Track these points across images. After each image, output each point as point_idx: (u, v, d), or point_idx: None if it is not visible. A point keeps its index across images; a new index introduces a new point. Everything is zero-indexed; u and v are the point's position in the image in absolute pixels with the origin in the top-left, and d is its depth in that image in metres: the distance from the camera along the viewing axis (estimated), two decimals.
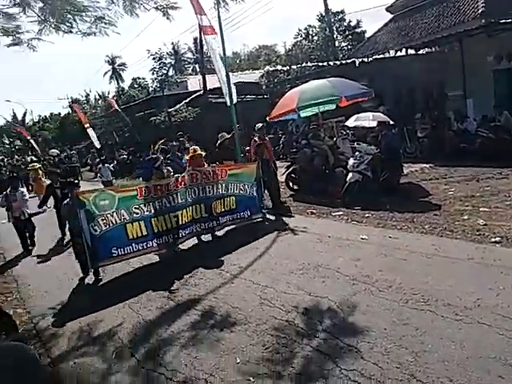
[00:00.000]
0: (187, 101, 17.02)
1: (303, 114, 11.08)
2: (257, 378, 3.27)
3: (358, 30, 27.76)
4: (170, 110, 19.09)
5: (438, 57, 13.98)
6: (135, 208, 6.07)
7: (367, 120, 10.36)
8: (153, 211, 6.26)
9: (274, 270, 5.50)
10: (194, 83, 26.95)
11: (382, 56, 15.37)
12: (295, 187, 10.45)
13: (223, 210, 7.36)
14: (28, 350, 2.76)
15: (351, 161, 8.71)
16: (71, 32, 7.65)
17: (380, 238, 6.31)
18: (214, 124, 16.49)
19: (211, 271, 5.79)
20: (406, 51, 14.59)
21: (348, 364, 3.28)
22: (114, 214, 5.86)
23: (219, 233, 7.51)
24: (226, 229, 7.65)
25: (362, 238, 6.33)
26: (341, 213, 8.00)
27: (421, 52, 14.39)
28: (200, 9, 12.01)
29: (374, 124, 9.82)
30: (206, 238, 7.41)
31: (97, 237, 5.69)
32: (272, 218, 8.31)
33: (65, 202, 6.35)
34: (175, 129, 18.43)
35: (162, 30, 70.37)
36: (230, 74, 17.28)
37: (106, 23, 7.57)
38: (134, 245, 6.02)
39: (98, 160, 20.56)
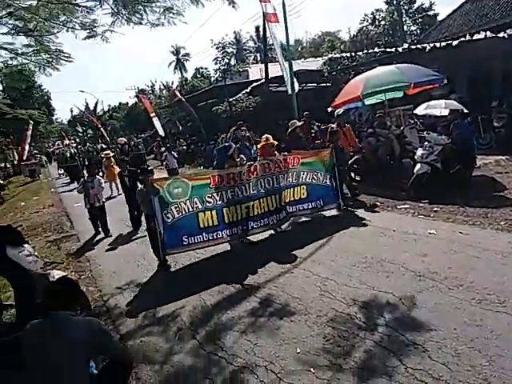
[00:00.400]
0: (248, 90, 17.04)
1: (368, 101, 10.64)
2: (317, 370, 3.22)
3: (430, 13, 26.11)
4: (230, 99, 19.26)
5: None
6: (208, 197, 6.00)
7: (439, 108, 9.73)
8: (225, 200, 6.15)
9: (335, 262, 5.37)
10: (255, 72, 26.98)
11: (456, 41, 14.35)
12: (358, 178, 10.12)
13: (292, 199, 7.07)
14: (99, 324, 2.93)
15: (420, 151, 8.24)
16: (141, 23, 7.95)
17: (449, 233, 5.93)
18: (274, 113, 16.42)
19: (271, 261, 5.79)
20: (485, 34, 13.47)
21: (414, 362, 3.14)
22: (187, 202, 5.83)
23: (284, 225, 7.18)
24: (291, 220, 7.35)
25: (430, 233, 5.99)
26: (407, 206, 7.64)
27: (501, 35, 13.23)
28: None
29: (446, 112, 9.20)
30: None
31: (169, 224, 5.69)
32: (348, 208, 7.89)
33: (139, 188, 6.46)
34: (236, 118, 18.57)
35: (224, 20, 71.11)
36: (292, 61, 17.11)
37: (174, 13, 7.78)
38: (204, 234, 5.97)
39: (163, 148, 21.15)
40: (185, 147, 23.35)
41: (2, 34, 8.06)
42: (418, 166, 8.06)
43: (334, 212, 7.72)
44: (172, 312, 4.68)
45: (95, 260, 6.99)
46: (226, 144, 7.25)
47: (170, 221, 5.70)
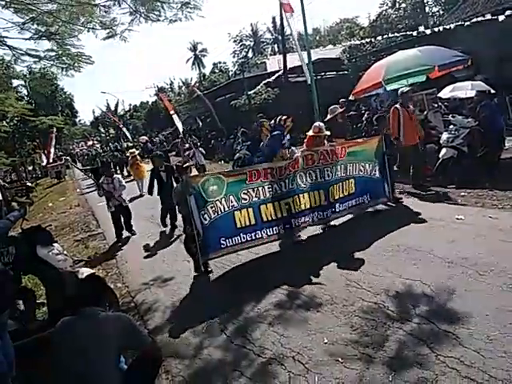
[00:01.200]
0: (265, 82, 16.96)
1: (389, 87, 10.38)
2: (346, 360, 3.19)
3: None
4: (249, 92, 19.22)
5: None
6: (243, 193, 5.48)
7: (465, 90, 9.43)
8: (262, 197, 5.63)
9: (359, 251, 5.30)
10: (273, 64, 26.82)
11: (480, 19, 13.82)
12: None
13: (341, 195, 6.39)
14: (128, 319, 2.98)
15: (445, 135, 8.01)
16: (159, 20, 7.98)
17: (478, 218, 5.76)
18: (293, 104, 16.31)
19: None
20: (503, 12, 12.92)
21: (445, 350, 3.07)
22: (223, 200, 5.36)
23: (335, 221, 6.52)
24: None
25: (458, 218, 5.83)
26: (433, 192, 7.45)
27: None
28: None
29: (472, 94, 8.90)
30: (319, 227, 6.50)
31: (206, 226, 5.24)
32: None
33: (175, 187, 6.10)
34: (255, 111, 18.54)
35: (240, 12, 70.78)
36: (311, 50, 16.89)
37: (191, 8, 7.77)
38: (242, 235, 5.48)
39: (187, 145, 21.07)
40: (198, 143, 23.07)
41: (25, 39, 8.27)
42: (444, 150, 7.85)
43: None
44: (199, 305, 4.73)
45: (122, 257, 7.11)
46: (278, 132, 6.21)
47: (207, 222, 5.24)
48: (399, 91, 8.41)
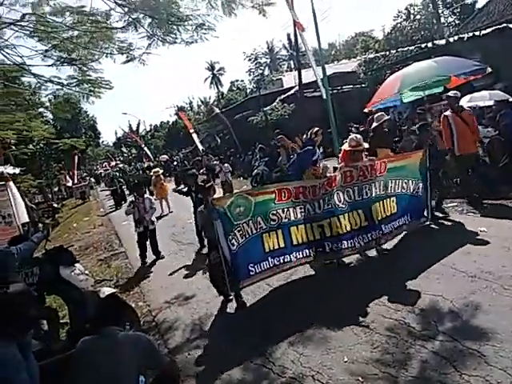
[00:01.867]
0: (281, 98, 17.13)
1: (406, 99, 10.35)
2: (366, 379, 3.13)
3: (468, 1, 25.10)
4: (265, 108, 19.41)
5: None
6: (272, 214, 4.99)
7: (483, 100, 9.30)
8: (292, 218, 5.14)
9: (378, 265, 5.24)
10: (289, 80, 27.04)
11: (497, 27, 13.69)
12: None
13: (385, 215, 5.70)
14: (147, 339, 3.01)
15: None
16: (175, 42, 8.22)
17: (502, 230, 5.61)
18: (309, 119, 16.35)
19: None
20: None
21: (470, 369, 2.98)
22: (250, 222, 4.86)
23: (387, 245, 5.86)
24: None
25: (481, 231, 5.70)
26: (454, 203, 7.31)
27: None
28: (292, 3, 12.01)
29: (491, 103, 8.77)
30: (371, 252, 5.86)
31: (234, 252, 4.74)
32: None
33: (199, 209, 5.46)
34: (271, 127, 18.68)
35: (256, 30, 72.02)
36: (326, 65, 16.98)
37: (206, 29, 8.00)
38: (270, 259, 5.00)
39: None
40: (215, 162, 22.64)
41: (48, 65, 8.63)
42: None
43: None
44: (219, 325, 4.73)
45: (144, 276, 7.20)
46: (310, 147, 5.80)
47: (235, 248, 4.74)
48: (444, 95, 7.59)
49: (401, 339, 3.54)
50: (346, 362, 3.41)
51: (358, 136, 6.06)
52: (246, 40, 63.49)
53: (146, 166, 26.79)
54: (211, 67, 59.57)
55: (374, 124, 7.54)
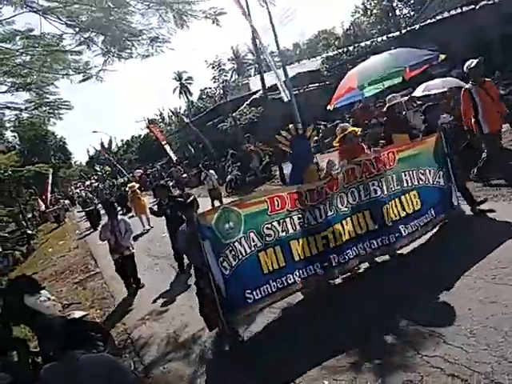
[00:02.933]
0: (248, 102, 17.25)
1: (368, 92, 10.59)
2: (332, 372, 3.18)
3: None
4: (233, 114, 19.50)
5: None
6: (267, 228, 4.23)
7: (437, 87, 9.58)
8: (291, 231, 4.37)
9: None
10: (256, 84, 27.15)
11: (447, 14, 14.15)
12: None
13: (404, 214, 4.88)
14: (111, 360, 2.98)
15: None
16: (131, 57, 8.22)
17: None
18: (278, 120, 16.49)
19: None
20: (475, 3, 13.23)
21: (430, 350, 3.06)
22: (242, 239, 4.09)
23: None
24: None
25: None
26: (488, 189, 7.30)
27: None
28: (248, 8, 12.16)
29: (445, 90, 9.05)
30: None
31: (228, 278, 4.00)
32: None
33: (180, 228, 4.52)
34: (241, 132, 18.77)
35: (223, 36, 72.36)
36: (291, 65, 17.24)
37: (160, 42, 8.02)
38: (271, 282, 4.17)
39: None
40: (184, 174, 21.94)
41: (2, 92, 8.47)
42: None
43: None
44: (193, 335, 4.71)
45: (119, 294, 7.10)
46: (304, 141, 5.02)
47: (228, 272, 4.00)
48: (465, 67, 6.63)
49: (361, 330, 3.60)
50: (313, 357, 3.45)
51: (341, 124, 5.65)
52: (214, 47, 63.81)
53: (121, 182, 26.42)
54: (179, 77, 59.33)
55: (388, 104, 6.74)
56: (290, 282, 4.27)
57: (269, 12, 13.94)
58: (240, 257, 4.07)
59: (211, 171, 12.22)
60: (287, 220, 4.38)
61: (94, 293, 7.56)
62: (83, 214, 25.40)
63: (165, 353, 4.53)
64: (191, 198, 4.72)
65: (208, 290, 4.03)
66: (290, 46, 63.43)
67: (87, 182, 46.65)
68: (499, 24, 12.76)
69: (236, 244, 4.07)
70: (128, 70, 16.31)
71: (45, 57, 7.80)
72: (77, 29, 7.50)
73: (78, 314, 4.52)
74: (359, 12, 26.75)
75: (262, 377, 3.49)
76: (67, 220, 26.58)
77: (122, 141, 57.69)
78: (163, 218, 7.22)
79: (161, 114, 55.88)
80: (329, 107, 10.97)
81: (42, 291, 4.49)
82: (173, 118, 52.13)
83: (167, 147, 26.21)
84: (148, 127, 40.63)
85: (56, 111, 9.18)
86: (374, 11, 25.76)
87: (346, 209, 4.66)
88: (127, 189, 15.30)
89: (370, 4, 26.50)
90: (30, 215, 31.02)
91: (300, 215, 4.45)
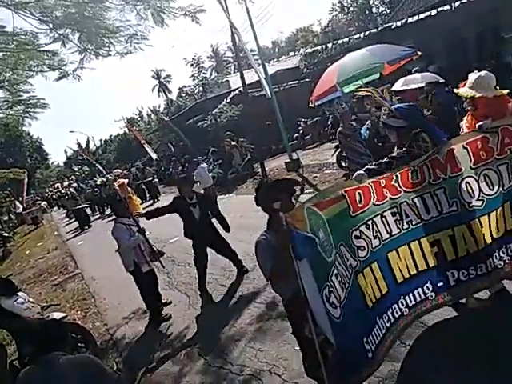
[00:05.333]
0: (228, 100, 17.18)
1: (346, 89, 10.65)
2: None
3: None
4: (213, 111, 19.39)
5: None
6: (355, 237, 2.80)
7: (415, 82, 9.71)
8: (385, 236, 2.90)
9: None
10: (235, 81, 27.04)
11: (424, 14, 14.38)
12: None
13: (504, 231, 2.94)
14: (92, 360, 2.92)
15: None
16: (110, 55, 8.07)
17: None
18: (259, 117, 16.51)
19: None
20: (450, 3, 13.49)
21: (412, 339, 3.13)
22: (338, 257, 2.64)
23: None
24: None
25: None
26: None
27: None
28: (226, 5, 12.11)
29: (423, 85, 9.18)
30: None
31: (338, 322, 2.45)
32: None
33: (259, 238, 2.67)
34: (221, 129, 18.69)
35: (202, 34, 71.86)
36: (270, 63, 17.18)
37: (138, 39, 7.91)
38: (378, 321, 2.71)
39: (180, 167, 19.00)
40: (180, 167, 22.16)
41: None
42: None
43: None
44: (178, 333, 4.68)
45: (99, 295, 6.99)
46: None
47: (338, 312, 2.47)
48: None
49: None
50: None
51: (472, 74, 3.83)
52: (192, 45, 63.17)
53: (99, 181, 25.35)
54: (157, 75, 58.66)
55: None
56: (397, 315, 2.80)
57: (247, 8, 13.95)
58: (346, 285, 2.61)
59: (203, 165, 11.13)
60: (377, 220, 2.90)
61: (74, 294, 7.39)
62: (63, 216, 24.94)
63: (148, 353, 4.47)
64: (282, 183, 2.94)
65: (310, 336, 2.44)
66: (269, 44, 63.51)
67: (65, 183, 45.72)
68: (473, 22, 13.02)
69: (337, 264, 2.61)
70: (105, 69, 16.04)
71: (18, 54, 7.60)
72: (51, 25, 7.34)
73: (57, 315, 4.45)
74: (336, 10, 27.00)
75: (248, 372, 3.48)
76: (45, 222, 26.00)
77: (101, 140, 56.82)
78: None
79: (140, 113, 55.16)
80: (310, 104, 11.04)
81: (20, 293, 4.39)
82: (152, 116, 51.59)
83: (146, 146, 25.89)
84: (127, 126, 40.14)
85: (31, 110, 8.94)
86: (351, 9, 26.03)
87: (480, 202, 2.91)
88: (115, 186, 14.20)
89: (347, 2, 26.78)
90: (5, 218, 30.24)
91: (394, 210, 2.93)
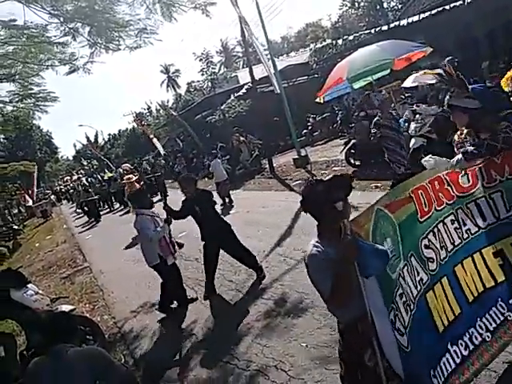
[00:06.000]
0: (236, 95, 17.16)
1: (356, 85, 10.55)
2: (326, 362, 3.20)
3: None
4: (222, 107, 19.38)
5: None
6: (425, 246, 2.40)
7: (427, 79, 9.61)
8: (449, 246, 2.44)
9: None
10: (244, 76, 26.96)
11: (435, 10, 14.19)
12: (357, 163, 10.05)
13: None
14: (100, 352, 2.94)
15: (412, 125, 8.13)
16: (119, 49, 8.09)
17: None
18: (267, 113, 16.49)
19: (275, 257, 5.75)
20: None
21: None
22: (405, 271, 2.30)
23: None
24: None
25: None
26: None
27: None
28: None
29: (434, 81, 9.08)
30: None
31: (407, 352, 2.13)
32: None
33: (313, 251, 2.07)
34: (230, 125, 18.67)
35: (211, 28, 71.59)
36: (280, 58, 17.13)
37: (148, 33, 7.91)
38: (451, 348, 2.20)
39: (184, 163, 19.25)
40: (184, 163, 21.80)
41: None
42: (413, 140, 7.95)
43: None
44: (185, 327, 4.70)
45: (108, 288, 7.04)
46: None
47: (405, 338, 2.16)
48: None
49: None
50: (306, 347, 3.46)
51: None
52: (202, 38, 63.21)
53: (106, 176, 25.20)
54: (166, 70, 58.73)
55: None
56: (476, 342, 2.19)
57: (257, 2, 13.91)
58: (411, 306, 2.24)
59: (218, 160, 11.06)
60: (440, 227, 2.47)
61: (82, 287, 7.46)
62: (72, 210, 25.01)
63: (156, 346, 4.51)
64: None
65: (370, 364, 2.09)
66: (279, 39, 63.17)
67: (74, 177, 46.07)
68: (485, 19, 12.83)
69: (401, 282, 2.26)
70: (114, 63, 16.09)
71: (29, 47, 7.65)
72: (61, 18, 7.36)
73: (66, 307, 4.49)
74: (347, 5, 26.75)
75: (254, 367, 3.49)
76: (54, 215, 26.25)
77: (110, 135, 57.04)
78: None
79: (149, 108, 55.29)
80: (318, 100, 10.96)
81: (29, 285, 4.43)
82: (161, 111, 51.66)
83: (155, 141, 25.97)
84: (136, 121, 40.23)
85: (41, 103, 9.00)
86: (362, 4, 25.76)
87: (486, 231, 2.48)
88: (124, 181, 14.04)
89: None
90: (15, 210, 30.61)
91: (452, 217, 2.50)
